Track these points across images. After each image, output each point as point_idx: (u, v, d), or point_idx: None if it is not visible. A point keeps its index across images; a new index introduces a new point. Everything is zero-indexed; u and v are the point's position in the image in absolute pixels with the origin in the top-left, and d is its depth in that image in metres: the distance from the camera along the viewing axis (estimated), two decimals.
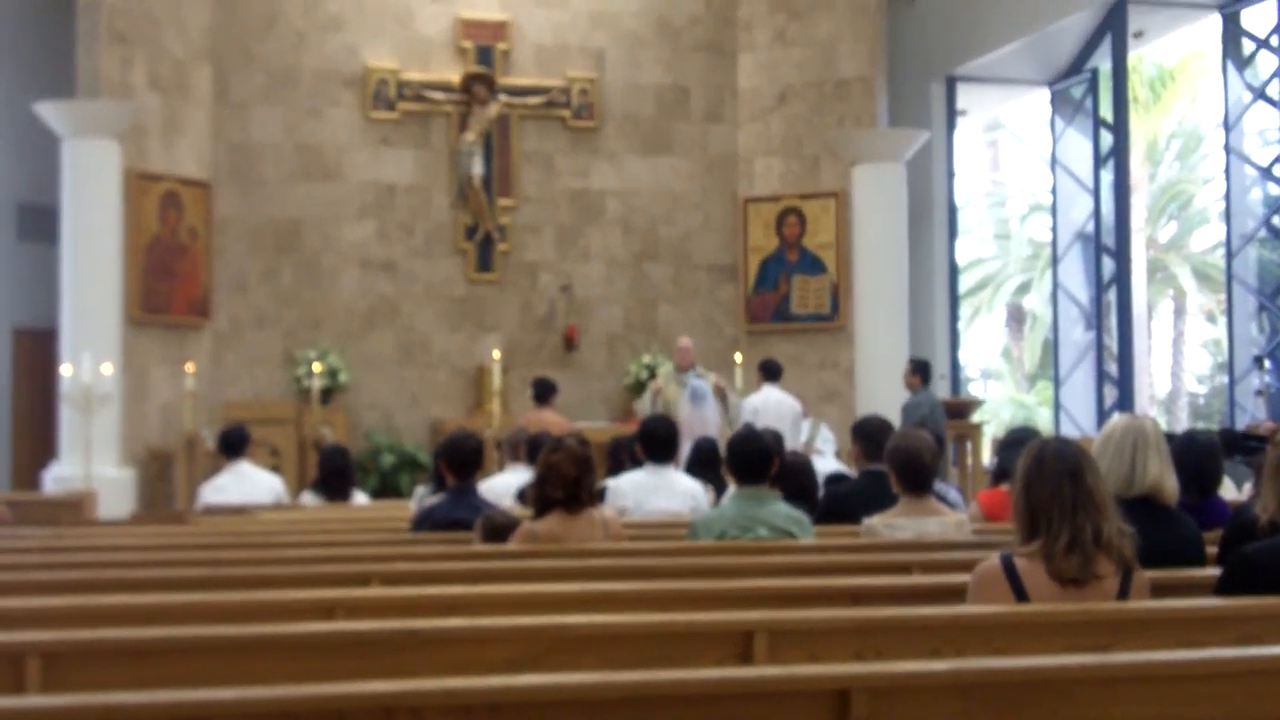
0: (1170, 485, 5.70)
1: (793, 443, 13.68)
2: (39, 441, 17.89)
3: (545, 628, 4.45)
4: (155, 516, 13.53)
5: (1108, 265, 20.03)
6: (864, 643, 4.41)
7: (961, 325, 24.96)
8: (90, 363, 15.66)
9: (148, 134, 17.76)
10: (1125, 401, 19.36)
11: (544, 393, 15.03)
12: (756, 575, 5.88)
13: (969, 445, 17.05)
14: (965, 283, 31.95)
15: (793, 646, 4.36)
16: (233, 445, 12.10)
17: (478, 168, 19.08)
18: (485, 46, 19.40)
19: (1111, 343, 20.25)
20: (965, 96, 21.91)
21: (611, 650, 4.31)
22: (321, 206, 19.00)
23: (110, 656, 4.12)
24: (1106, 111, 20.32)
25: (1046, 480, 4.76)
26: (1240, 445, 13.36)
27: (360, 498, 12.04)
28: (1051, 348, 23.85)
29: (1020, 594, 4.70)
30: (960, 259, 25.48)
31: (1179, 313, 36.68)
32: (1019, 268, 36.98)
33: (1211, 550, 5.88)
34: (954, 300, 21.98)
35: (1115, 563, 4.75)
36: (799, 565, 6.28)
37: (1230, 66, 19.15)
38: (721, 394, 15.21)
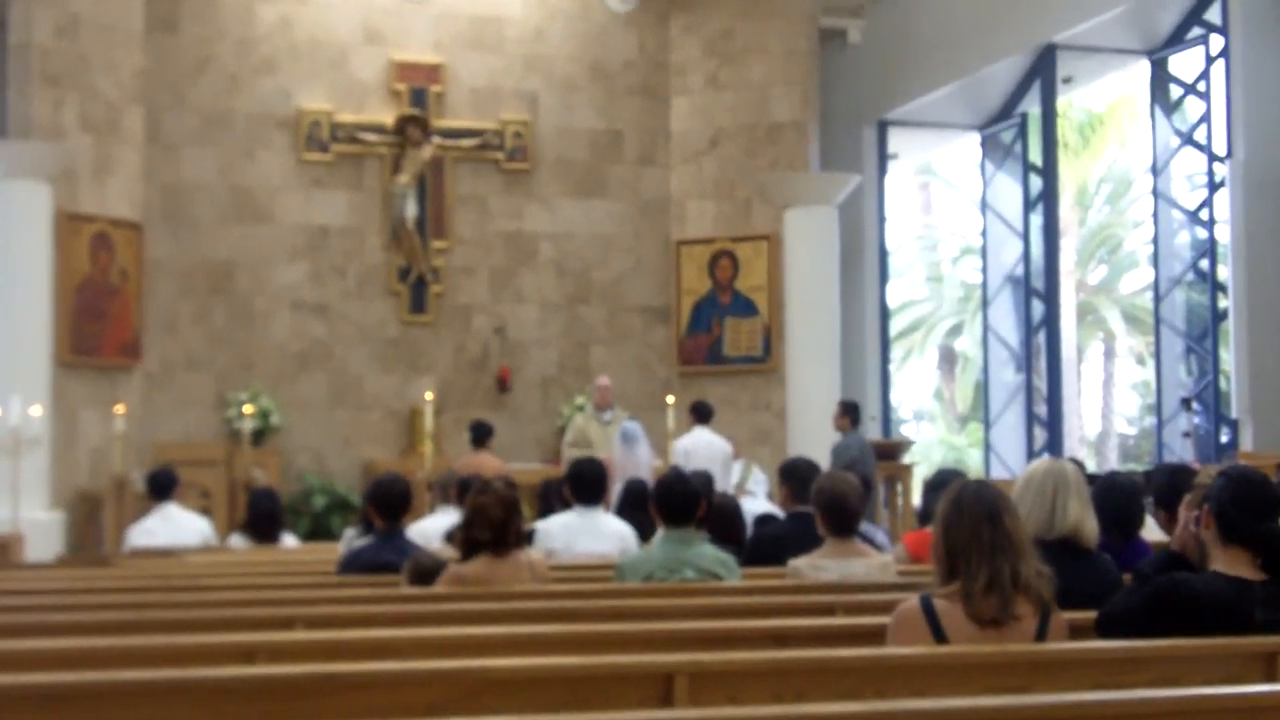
0: (1090, 527, 5.75)
1: (723, 484, 13.72)
2: None
3: (467, 671, 4.44)
4: (80, 559, 13.41)
5: (1037, 308, 20.18)
6: (783, 685, 4.42)
7: (894, 367, 25.12)
8: (19, 406, 15.49)
9: (79, 175, 17.63)
10: (1055, 443, 19.49)
11: (481, 436, 15.09)
12: (680, 617, 5.89)
13: (899, 486, 17.14)
14: (898, 325, 32.19)
15: (713, 688, 4.37)
16: (161, 488, 12.06)
17: (411, 210, 19.04)
18: (419, 89, 19.40)
19: (1041, 385, 20.40)
20: (896, 140, 22.13)
21: (533, 693, 4.31)
22: (254, 248, 18.92)
23: (29, 702, 4.08)
24: (1036, 156, 20.51)
25: (965, 522, 4.80)
26: None
27: (290, 540, 11.98)
28: (983, 389, 23.98)
29: (939, 635, 4.73)
30: (892, 301, 25.67)
31: (1109, 354, 37.01)
32: (951, 310, 37.26)
33: None
34: (885, 342, 22.14)
35: (1034, 604, 4.79)
36: (723, 607, 6.30)
37: (1158, 112, 19.40)
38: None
